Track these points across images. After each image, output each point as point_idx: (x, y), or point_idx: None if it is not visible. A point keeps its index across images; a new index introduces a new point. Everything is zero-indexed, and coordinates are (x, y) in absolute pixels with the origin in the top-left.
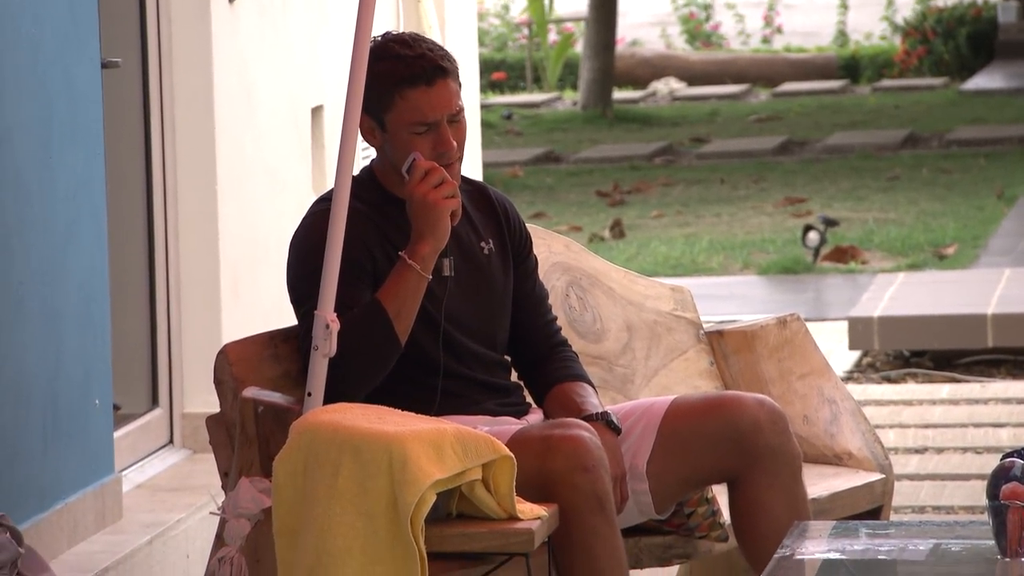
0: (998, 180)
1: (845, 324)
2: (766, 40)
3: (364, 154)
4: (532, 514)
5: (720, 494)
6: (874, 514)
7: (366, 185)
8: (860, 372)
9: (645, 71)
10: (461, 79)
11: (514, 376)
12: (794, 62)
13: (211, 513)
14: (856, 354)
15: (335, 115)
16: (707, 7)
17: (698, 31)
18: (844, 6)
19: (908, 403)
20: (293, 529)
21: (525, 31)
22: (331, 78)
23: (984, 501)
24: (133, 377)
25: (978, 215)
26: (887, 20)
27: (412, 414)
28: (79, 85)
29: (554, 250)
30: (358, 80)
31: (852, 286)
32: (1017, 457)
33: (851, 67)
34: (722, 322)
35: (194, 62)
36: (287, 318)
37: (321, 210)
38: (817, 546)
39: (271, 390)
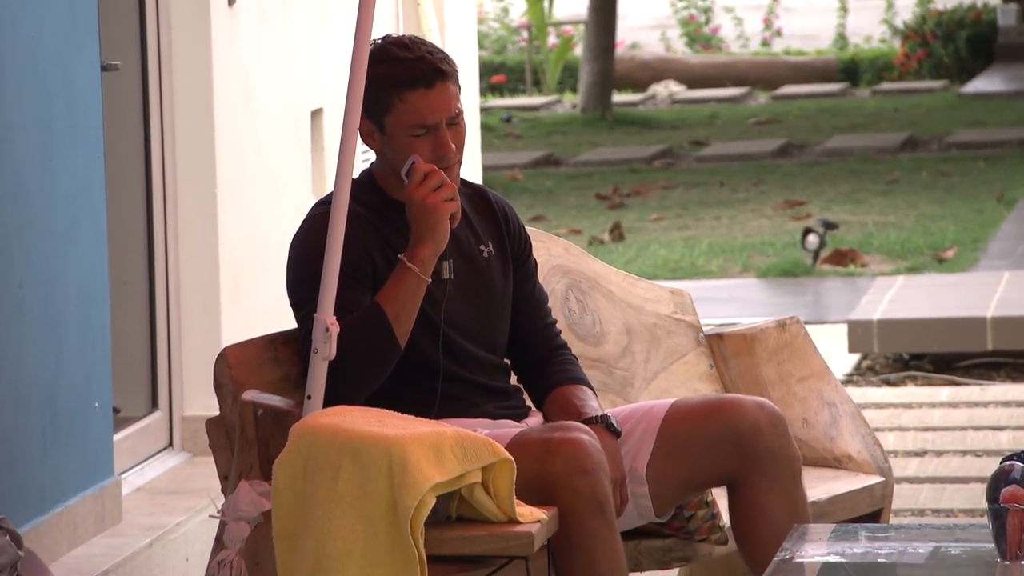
0: (998, 183)
1: (845, 327)
2: (766, 43)
3: (364, 157)
4: (532, 517)
5: (720, 497)
6: (874, 517)
7: (366, 188)
8: (860, 375)
9: (645, 74)
10: (461, 82)
11: (514, 379)
12: (794, 65)
13: (211, 516)
14: (855, 357)
15: (335, 118)
16: (707, 10)
17: (698, 34)
18: (844, 9)
19: (908, 406)
20: (293, 532)
21: (525, 34)
22: (331, 81)
23: (984, 504)
24: (133, 380)
25: (978, 218)
26: (887, 23)
27: (412, 417)
28: (78, 87)
29: (553, 253)
30: (358, 83)
31: (851, 289)
32: (1017, 460)
33: (851, 70)
34: (722, 325)
35: (194, 65)
36: (287, 321)
37: (321, 213)
38: (817, 549)
39: (271, 393)
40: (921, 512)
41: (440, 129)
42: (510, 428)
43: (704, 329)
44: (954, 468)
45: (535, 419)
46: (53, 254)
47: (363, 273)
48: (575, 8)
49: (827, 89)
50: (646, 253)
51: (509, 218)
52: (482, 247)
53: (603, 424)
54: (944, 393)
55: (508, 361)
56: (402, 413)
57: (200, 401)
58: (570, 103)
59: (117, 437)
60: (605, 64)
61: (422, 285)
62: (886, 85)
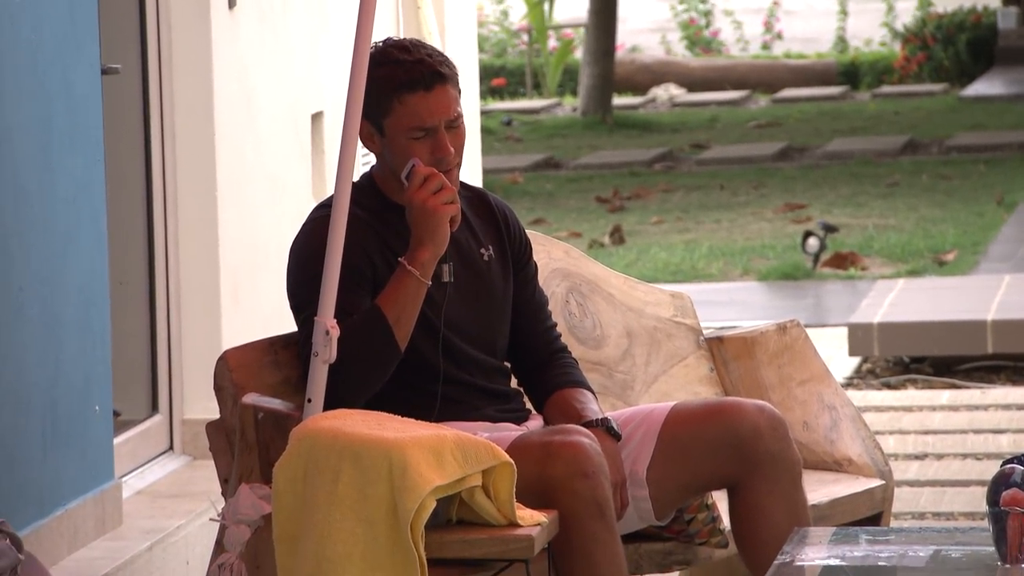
0: (998, 186)
1: (845, 330)
2: (766, 46)
3: (364, 160)
4: (532, 520)
5: (720, 500)
6: (874, 520)
7: (366, 191)
8: (860, 378)
9: (645, 77)
10: (461, 85)
11: (514, 382)
12: (794, 68)
13: (211, 519)
14: (856, 360)
15: (335, 121)
16: (707, 13)
17: (698, 37)
18: (844, 12)
19: (908, 409)
20: (293, 535)
21: (525, 37)
22: (331, 84)
23: (984, 507)
24: (133, 383)
25: (978, 221)
26: (887, 26)
27: (412, 420)
28: (78, 90)
29: (554, 256)
30: (358, 86)
31: (852, 292)
32: (1017, 463)
33: (851, 73)
34: (722, 328)
35: (194, 68)
36: (287, 324)
37: (321, 216)
38: (817, 552)
39: (271, 396)
40: (921, 515)
41: (439, 132)
42: (510, 431)
43: (704, 332)
44: (954, 471)
45: (535, 422)
46: (53, 256)
47: (363, 276)
48: (575, 11)
49: (827, 92)
50: (646, 256)
51: (509, 221)
52: (482, 250)
53: (603, 427)
54: (944, 396)
55: (508, 364)
56: (402, 416)
57: (200, 404)
58: (570, 106)
59: (117, 440)
60: (605, 67)
61: (422, 288)
62: (886, 88)
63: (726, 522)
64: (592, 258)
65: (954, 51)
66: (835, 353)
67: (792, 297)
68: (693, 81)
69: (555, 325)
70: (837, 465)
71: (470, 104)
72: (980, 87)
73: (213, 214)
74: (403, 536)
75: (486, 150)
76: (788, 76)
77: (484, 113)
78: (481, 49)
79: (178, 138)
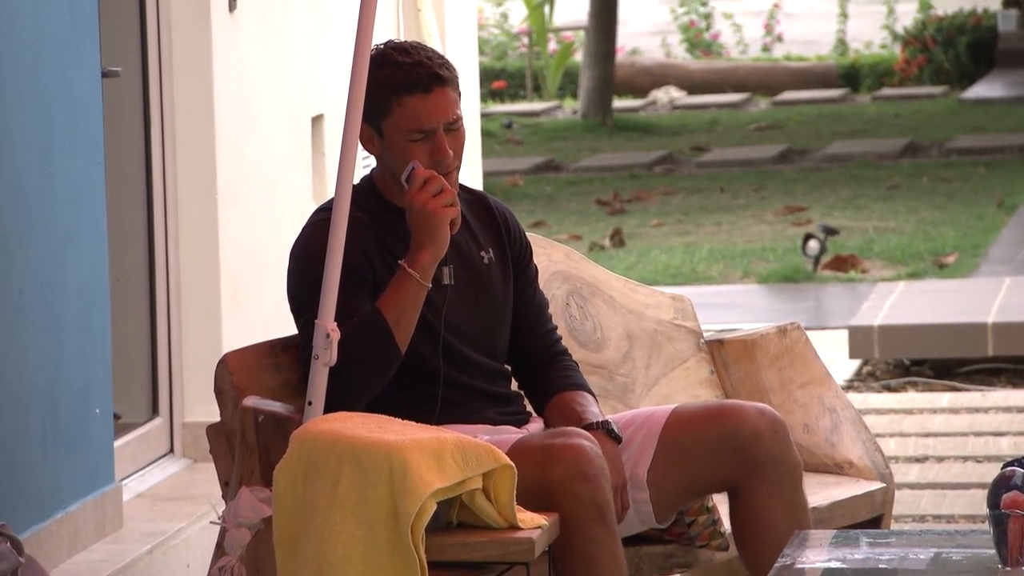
0: (998, 189)
1: (845, 333)
2: (766, 49)
3: (364, 163)
4: (533, 523)
5: (721, 503)
6: (875, 523)
7: (366, 194)
8: (860, 381)
9: (645, 80)
10: (461, 88)
11: (514, 385)
12: (794, 71)
13: (211, 522)
14: (856, 363)
15: (335, 124)
16: (707, 16)
17: (698, 40)
18: (844, 15)
19: (908, 412)
20: (293, 538)
21: (525, 40)
22: (331, 87)
23: (985, 510)
24: (133, 386)
25: (978, 224)
26: (887, 29)
27: (412, 423)
28: (79, 92)
29: (554, 259)
30: (358, 89)
31: (852, 295)
32: (1018, 466)
33: (851, 76)
34: (722, 331)
35: (194, 70)
36: (287, 327)
37: (321, 219)
38: (818, 555)
39: (271, 399)
40: (922, 518)
41: (438, 134)
42: (511, 434)
43: (705, 335)
44: (955, 474)
45: (536, 425)
46: (53, 258)
47: (363, 279)
48: (575, 14)
49: (828, 95)
50: (647, 259)
51: (509, 224)
52: (482, 253)
53: (604, 430)
54: (945, 399)
55: (509, 367)
56: (403, 419)
57: (201, 407)
58: (571, 109)
59: (118, 443)
60: (605, 70)
61: (422, 291)
62: (887, 91)
63: (727, 525)
64: (592, 261)
65: (954, 54)
66: (835, 356)
67: (792, 300)
68: (693, 84)
69: (555, 328)
70: (838, 468)
71: (470, 107)
72: (980, 90)
73: (213, 216)
74: (403, 539)
75: (486, 153)
76: (788, 79)
77: (484, 116)
78: (481, 52)
79: (178, 140)
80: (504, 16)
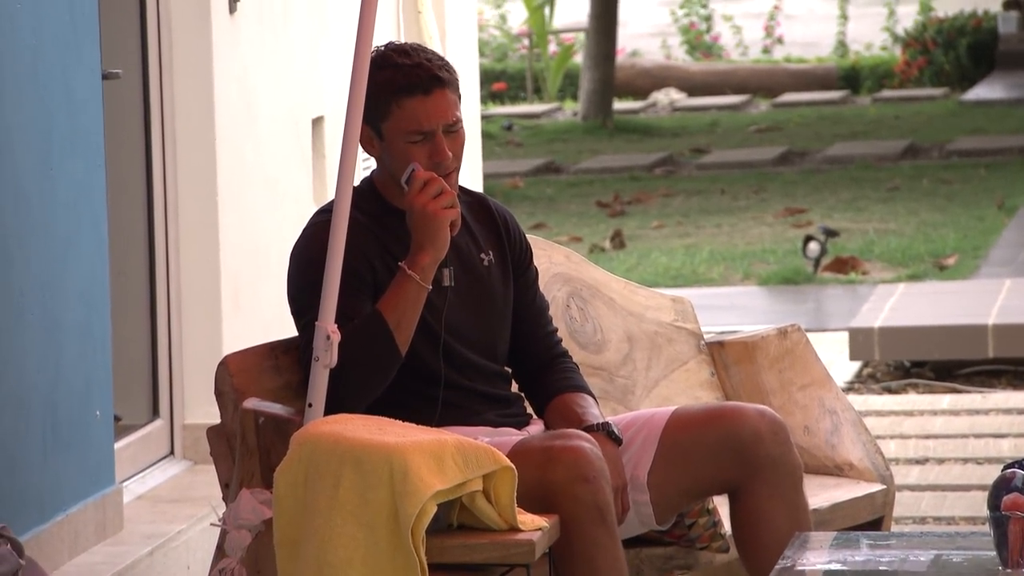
0: (998, 190)
1: (846, 335)
2: (766, 50)
3: (365, 165)
4: (533, 525)
5: (721, 505)
6: (875, 525)
7: (366, 196)
8: (861, 383)
9: (645, 82)
10: (461, 90)
11: (515, 387)
12: (794, 72)
13: (212, 524)
14: (857, 365)
15: (336, 126)
16: (707, 18)
17: (698, 42)
18: (844, 17)
19: (909, 414)
20: (294, 540)
21: (525, 42)
22: (332, 89)
23: (985, 512)
24: (134, 388)
25: (978, 225)
26: (888, 31)
27: (413, 425)
28: (79, 95)
29: (555, 261)
30: (359, 91)
31: (852, 297)
32: (1018, 468)
33: (851, 77)
34: (723, 333)
35: (195, 72)
36: (288, 329)
37: (321, 221)
38: (818, 557)
39: (272, 401)
40: (922, 520)
41: (437, 136)
42: (511, 436)
43: (705, 337)
44: (955, 476)
45: (536, 427)
46: (54, 261)
47: (363, 281)
48: (576, 16)
49: (828, 97)
50: (647, 261)
51: (510, 226)
52: (483, 255)
53: (604, 432)
54: (945, 401)
55: (509, 369)
56: (403, 421)
57: (201, 409)
58: (571, 111)
59: (118, 445)
60: (606, 72)
61: (422, 293)
62: (887, 93)
63: (727, 526)
64: (593, 263)
65: (955, 55)
66: (836, 357)
67: (793, 301)
68: (693, 85)
69: (556, 330)
70: (838, 469)
71: (470, 109)
72: (981, 91)
73: (214, 218)
74: (404, 541)
75: (487, 155)
76: (788, 80)
77: (485, 118)
78: (482, 54)
79: (179, 142)
80: (503, 18)
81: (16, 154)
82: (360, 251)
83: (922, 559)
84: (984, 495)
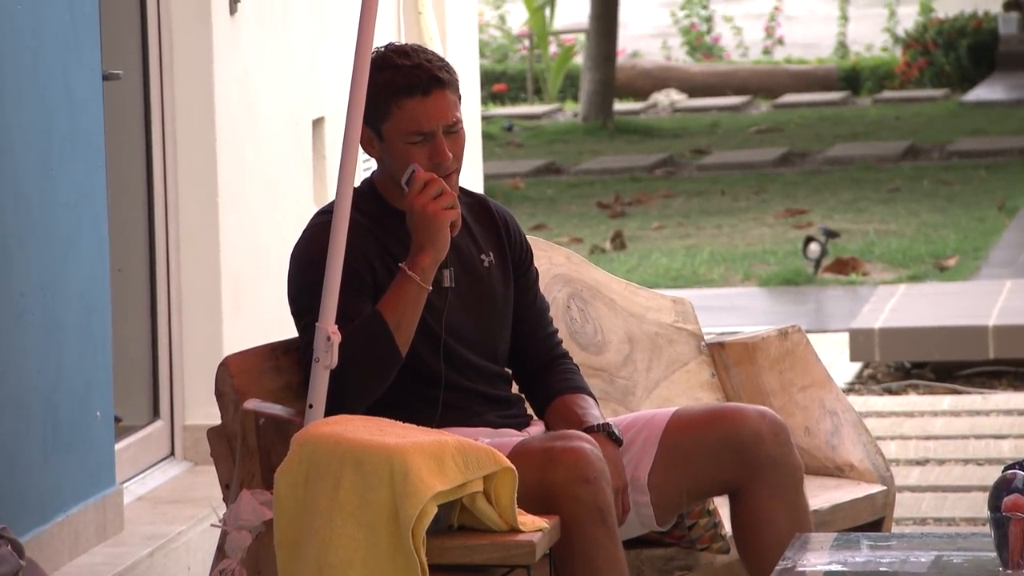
0: (999, 192)
1: (846, 336)
2: (767, 51)
3: (365, 166)
4: (533, 526)
5: (722, 506)
6: (876, 526)
7: (366, 197)
8: (861, 384)
9: (646, 83)
10: (461, 91)
11: (515, 388)
12: (795, 73)
13: (212, 525)
14: (857, 366)
15: (336, 127)
16: (708, 19)
17: (699, 43)
18: (845, 18)
19: (909, 415)
20: (294, 541)
21: (526, 43)
22: (332, 90)
23: (986, 513)
24: (134, 389)
25: (979, 227)
26: (888, 31)
27: (413, 426)
28: (80, 96)
29: (555, 262)
30: (359, 92)
31: (853, 298)
32: (1019, 469)
33: (852, 79)
34: (723, 334)
35: (195, 73)
36: (288, 330)
37: (322, 222)
38: (819, 558)
39: (272, 402)
40: (923, 521)
41: (437, 137)
42: (511, 437)
43: (706, 338)
44: (956, 477)
45: (537, 428)
46: (54, 262)
47: (364, 282)
48: (576, 17)
49: (828, 98)
50: (647, 262)
51: (510, 227)
52: (483, 256)
53: (605, 433)
54: (946, 402)
55: (509, 370)
56: (404, 422)
57: (201, 410)
58: (571, 112)
59: (119, 446)
60: (606, 73)
61: (423, 293)
62: (887, 94)
63: (728, 528)
64: (593, 264)
65: (955, 56)
66: (836, 358)
67: (793, 302)
68: (694, 86)
69: (556, 331)
70: (838, 471)
71: (471, 110)
72: (981, 92)
73: (214, 219)
74: (404, 542)
75: (487, 156)
76: (789, 81)
77: (485, 119)
78: (482, 55)
79: (179, 143)
80: (501, 18)
81: (16, 155)
82: (360, 252)
83: (923, 560)
84: (985, 496)
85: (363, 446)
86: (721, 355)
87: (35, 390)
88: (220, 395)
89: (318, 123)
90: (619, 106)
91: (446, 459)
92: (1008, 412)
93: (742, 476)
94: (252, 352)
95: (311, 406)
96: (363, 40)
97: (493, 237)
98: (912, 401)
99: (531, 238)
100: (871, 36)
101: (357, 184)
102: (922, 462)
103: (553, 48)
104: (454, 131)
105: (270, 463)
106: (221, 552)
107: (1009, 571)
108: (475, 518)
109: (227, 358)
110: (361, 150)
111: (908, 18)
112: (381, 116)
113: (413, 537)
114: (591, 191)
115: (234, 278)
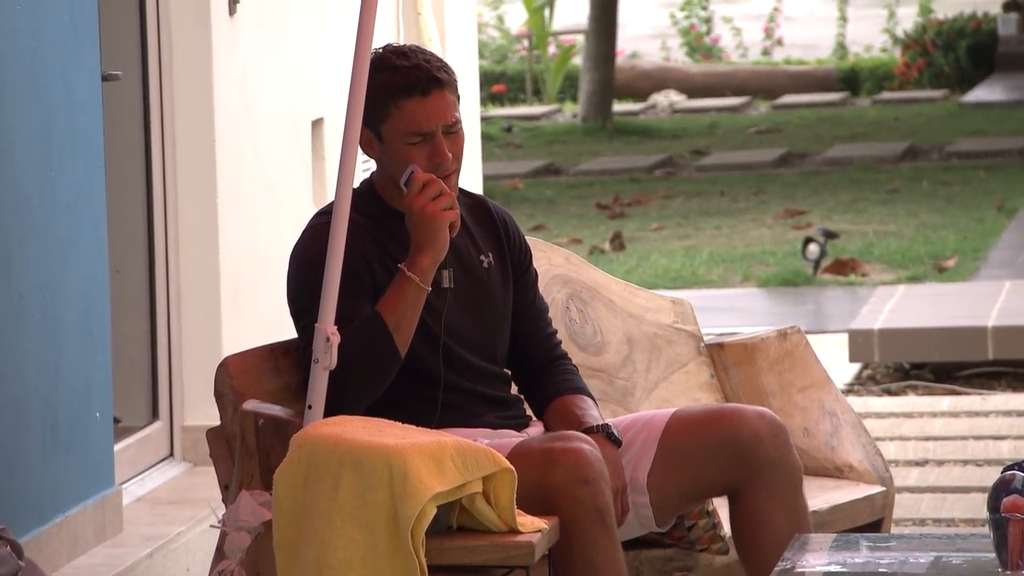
0: (998, 192)
1: (845, 336)
2: (766, 52)
3: (364, 167)
4: (533, 527)
5: (721, 507)
6: (875, 527)
7: (366, 198)
8: (860, 384)
9: (645, 83)
10: (460, 92)
11: (514, 389)
12: (794, 74)
13: (211, 526)
14: (856, 366)
15: (335, 127)
16: (707, 20)
17: (698, 43)
18: (844, 18)
19: (909, 415)
20: (293, 542)
21: (525, 43)
22: (331, 91)
23: (985, 514)
24: (133, 390)
25: (978, 227)
26: (887, 32)
27: (412, 427)
28: (79, 97)
29: (554, 263)
30: (359, 93)
31: (852, 298)
32: (1018, 470)
33: (851, 79)
34: (722, 335)
35: (194, 74)
36: (287, 331)
37: (321, 223)
38: (818, 559)
39: (271, 403)
40: (922, 522)
41: (436, 137)
42: (511, 438)
43: (705, 339)
44: (955, 478)
45: (536, 429)
46: (54, 262)
47: (363, 283)
48: (575, 17)
49: (827, 98)
50: (647, 263)
51: (509, 228)
52: (482, 257)
53: (604, 433)
54: (945, 403)
55: (508, 371)
56: (403, 423)
57: (201, 411)
58: (570, 112)
59: (118, 447)
60: (605, 73)
61: (422, 294)
62: (886, 94)
63: (727, 528)
64: (592, 264)
65: (954, 57)
66: (836, 359)
67: (792, 303)
68: (693, 87)
69: (555, 332)
70: (838, 471)
71: (470, 110)
72: (980, 93)
73: (213, 220)
74: (404, 543)
75: (486, 156)
76: (788, 82)
77: (484, 119)
78: (481, 55)
79: (178, 144)
80: (499, 19)
81: (16, 155)
82: (359, 253)
83: (922, 561)
84: (984, 497)
85: (362, 447)
86: (720, 356)
87: (34, 390)
88: (219, 396)
89: (317, 124)
90: (618, 107)
91: (445, 460)
92: (1007, 413)
93: (741, 477)
94: (251, 353)
95: (310, 407)
96: (362, 41)
97: (492, 238)
98: (911, 402)
99: (530, 239)
100: (870, 37)
101: (356, 185)
102: (921, 463)
103: (552, 49)
104: (453, 131)
105: (269, 464)
106: (220, 553)
107: (1008, 572)
108: (474, 519)
109: (226, 359)
110: (360, 151)
111: (907, 19)
112: (380, 117)
113: (412, 538)
114: (590, 192)
115: (233, 279)
